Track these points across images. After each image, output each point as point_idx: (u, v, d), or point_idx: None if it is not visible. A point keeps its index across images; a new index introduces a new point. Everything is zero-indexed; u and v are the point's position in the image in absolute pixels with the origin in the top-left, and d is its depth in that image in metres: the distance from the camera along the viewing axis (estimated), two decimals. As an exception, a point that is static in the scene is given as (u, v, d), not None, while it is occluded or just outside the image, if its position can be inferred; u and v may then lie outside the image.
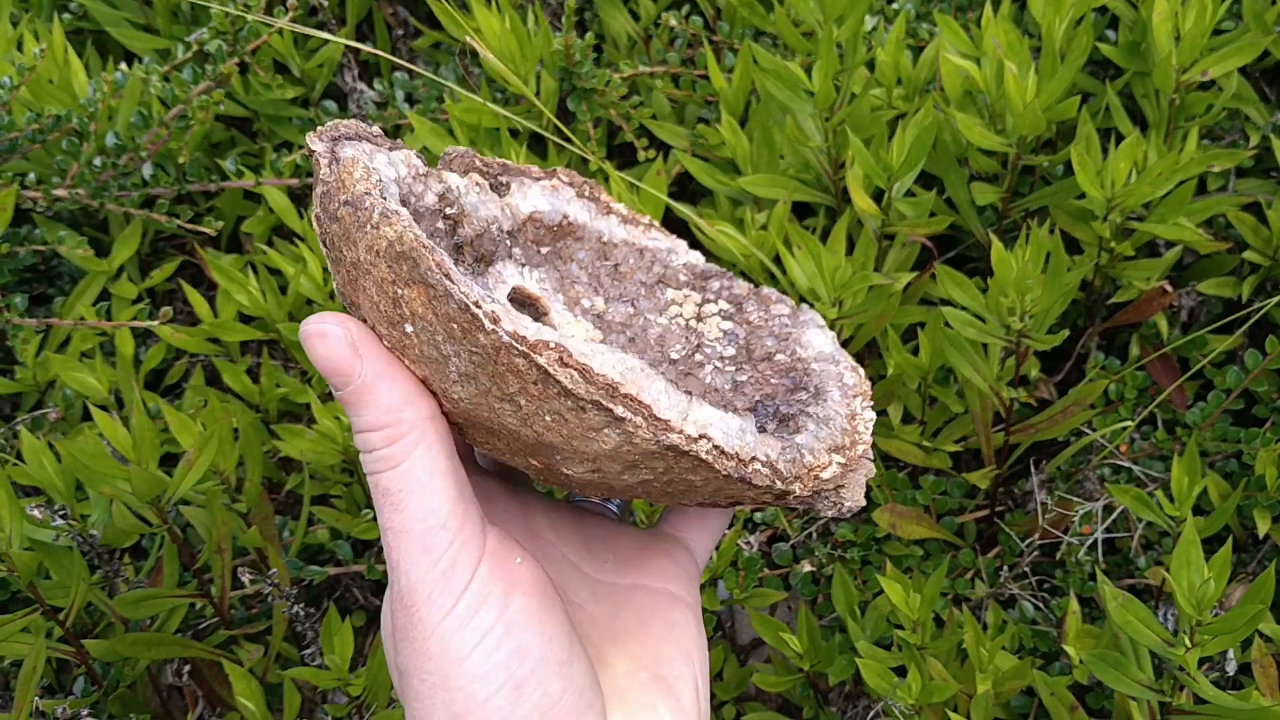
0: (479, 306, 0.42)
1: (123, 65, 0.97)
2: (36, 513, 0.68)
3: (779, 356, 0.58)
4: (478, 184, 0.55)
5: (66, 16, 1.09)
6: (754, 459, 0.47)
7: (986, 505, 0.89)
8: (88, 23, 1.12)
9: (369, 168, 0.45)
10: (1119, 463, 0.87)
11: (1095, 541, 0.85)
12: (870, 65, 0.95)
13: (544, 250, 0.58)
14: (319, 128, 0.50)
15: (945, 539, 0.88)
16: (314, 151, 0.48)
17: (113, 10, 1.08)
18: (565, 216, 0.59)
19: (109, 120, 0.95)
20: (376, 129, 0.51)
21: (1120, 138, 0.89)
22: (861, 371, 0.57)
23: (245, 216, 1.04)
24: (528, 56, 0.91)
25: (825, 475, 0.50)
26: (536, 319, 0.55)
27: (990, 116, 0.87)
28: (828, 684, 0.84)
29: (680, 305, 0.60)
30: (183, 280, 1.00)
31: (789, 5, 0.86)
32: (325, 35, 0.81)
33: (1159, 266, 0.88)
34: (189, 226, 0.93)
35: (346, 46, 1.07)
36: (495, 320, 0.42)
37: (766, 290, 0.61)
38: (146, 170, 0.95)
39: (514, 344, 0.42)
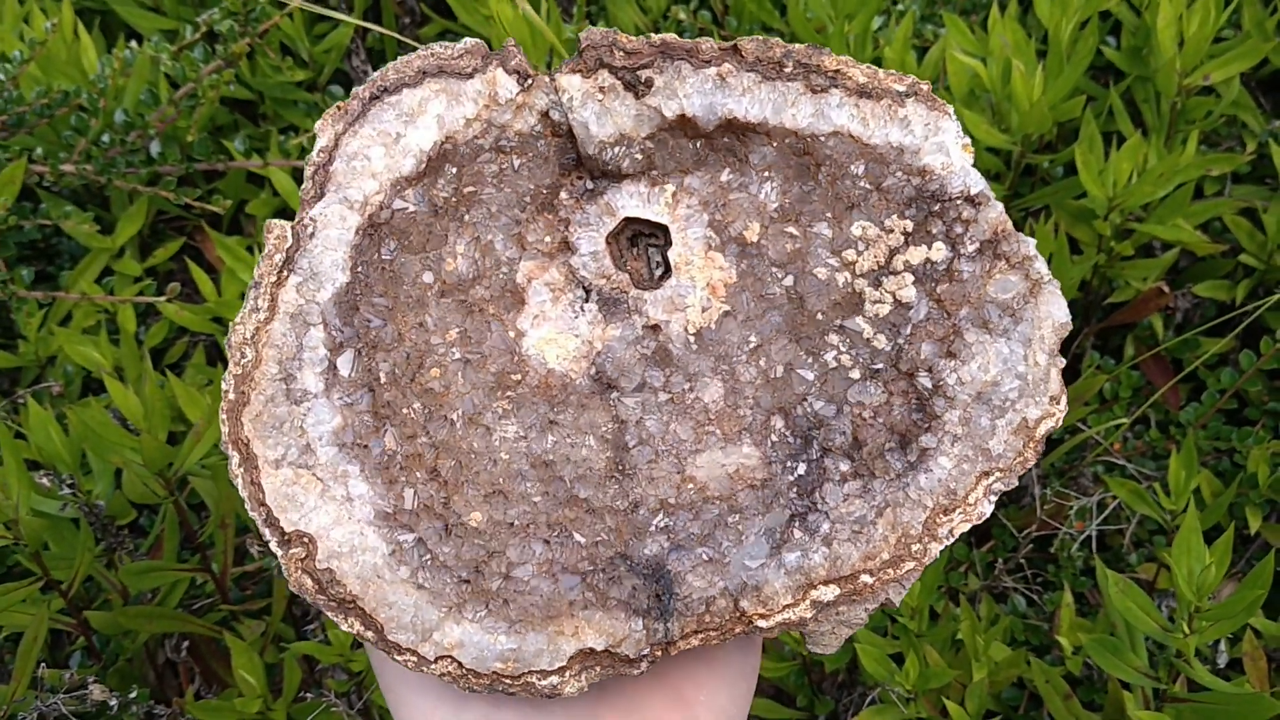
0: (256, 496, 0.43)
1: (132, 43, 0.98)
2: (45, 481, 0.68)
3: (921, 379, 0.44)
4: (603, 89, 0.46)
5: (74, -5, 1.09)
6: (528, 672, 0.42)
7: (982, 500, 0.90)
8: (93, 2, 1.12)
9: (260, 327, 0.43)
10: (1112, 460, 0.89)
11: (1089, 538, 0.86)
12: (876, 63, 0.96)
13: (703, 152, 0.47)
14: (357, 89, 0.45)
15: (941, 532, 0.89)
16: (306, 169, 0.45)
17: (120, -11, 1.08)
18: (730, 116, 0.45)
19: (117, 98, 0.95)
20: (464, 47, 0.46)
21: (1122, 140, 0.90)
22: (1042, 425, 0.42)
23: (247, 200, 1.04)
24: (539, 45, 0.92)
25: (769, 623, 0.42)
26: (664, 248, 0.47)
27: (995, 115, 0.89)
28: (823, 672, 0.84)
29: (863, 250, 0.45)
30: (187, 260, 1.00)
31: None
32: (340, 16, 0.82)
33: (1157, 266, 0.89)
34: (197, 204, 0.93)
35: (354, 31, 1.07)
36: (258, 504, 0.42)
37: (1015, 244, 0.44)
38: (154, 148, 0.95)
39: (267, 534, 0.42)
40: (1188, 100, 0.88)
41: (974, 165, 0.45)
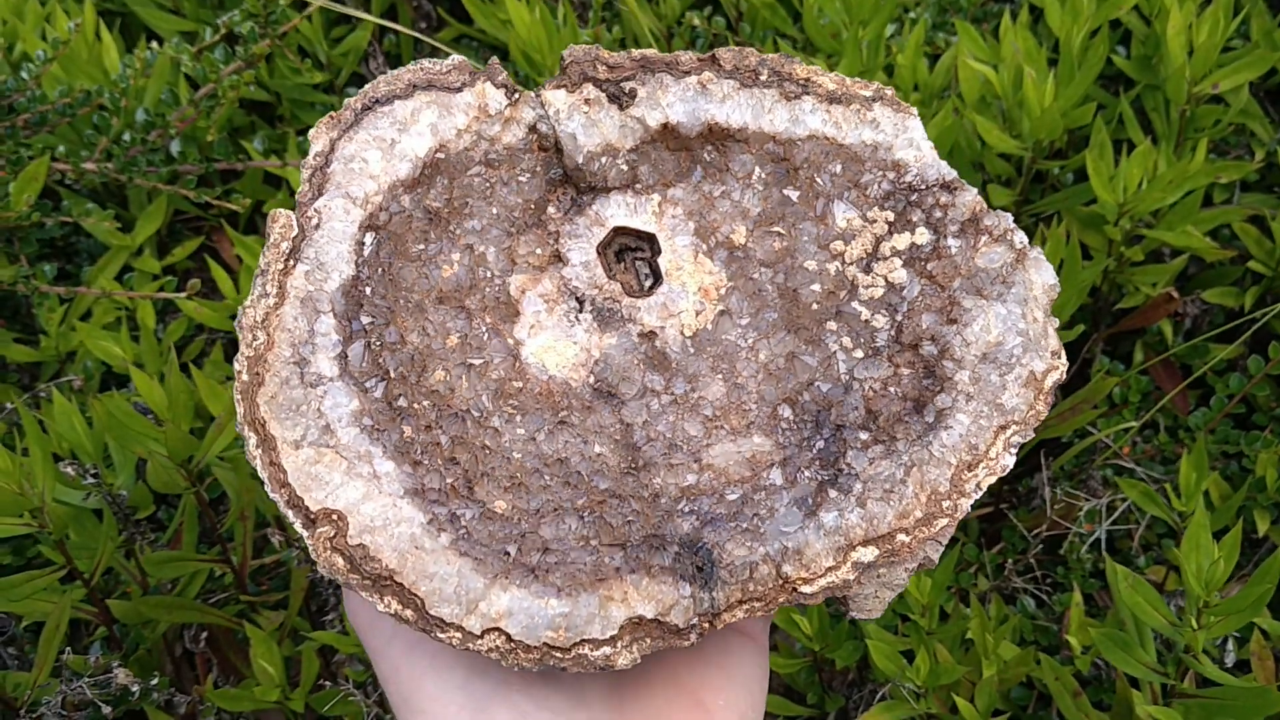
0: (277, 477, 0.41)
1: (153, 44, 0.99)
2: (70, 470, 0.69)
3: (926, 347, 0.45)
4: (588, 101, 0.47)
5: (95, -3, 1.11)
6: (580, 642, 0.41)
7: (991, 501, 0.91)
8: (113, 4, 1.13)
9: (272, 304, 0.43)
10: (1121, 464, 0.89)
11: (1098, 541, 0.87)
12: (888, 70, 0.97)
13: (684, 164, 0.48)
14: (348, 100, 0.46)
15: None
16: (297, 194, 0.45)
17: (141, -9, 1.09)
18: (713, 122, 0.47)
19: (138, 98, 0.96)
20: (451, 63, 0.47)
21: (1132, 148, 0.91)
22: (1049, 378, 0.43)
23: (264, 200, 1.05)
24: (555, 49, 0.93)
25: (813, 587, 0.42)
26: (651, 259, 0.48)
27: (1006, 121, 0.90)
28: (833, 669, 0.85)
29: (850, 241, 0.46)
30: (206, 258, 1.02)
31: (816, 5, 0.88)
32: (360, 14, 0.83)
33: (1166, 272, 0.90)
34: (216, 202, 0.94)
35: (371, 36, 1.08)
36: (279, 485, 0.41)
37: (995, 219, 0.45)
38: (174, 147, 0.96)
39: (291, 515, 0.41)
40: (1197, 108, 0.89)
41: (950, 161, 0.47)
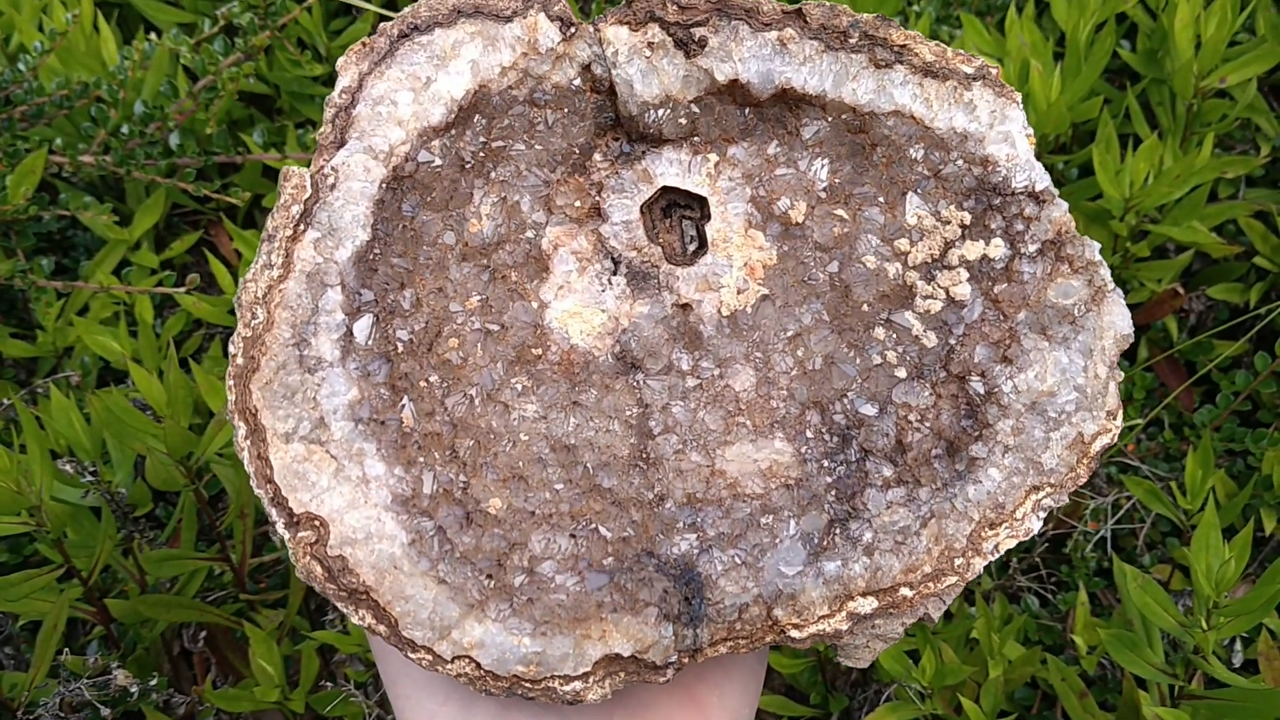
0: (263, 471, 0.40)
1: (151, 35, 0.98)
2: (68, 468, 0.69)
3: (973, 383, 0.41)
4: (651, 44, 0.42)
5: (92, -12, 1.09)
6: (551, 677, 0.40)
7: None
8: (111, -5, 1.12)
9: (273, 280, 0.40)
10: (1126, 461, 0.89)
11: (1103, 539, 0.86)
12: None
13: (750, 120, 0.43)
14: (384, 24, 0.42)
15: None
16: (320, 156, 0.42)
17: (139, -17, 1.08)
18: (787, 86, 0.42)
19: (136, 90, 0.96)
20: None
21: (1138, 142, 0.91)
22: (1098, 442, 0.40)
23: (263, 194, 1.04)
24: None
25: (802, 634, 0.40)
26: (700, 222, 0.45)
27: (1012, 116, 0.89)
28: (837, 670, 0.85)
29: (917, 240, 0.42)
30: (204, 252, 1.01)
31: None
32: (361, 3, 0.82)
33: (1171, 268, 0.89)
34: (215, 195, 0.93)
35: (371, 28, 1.07)
36: (264, 480, 0.40)
37: (1079, 246, 0.41)
38: (173, 140, 0.95)
39: (274, 513, 0.40)
40: (1203, 103, 0.89)
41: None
